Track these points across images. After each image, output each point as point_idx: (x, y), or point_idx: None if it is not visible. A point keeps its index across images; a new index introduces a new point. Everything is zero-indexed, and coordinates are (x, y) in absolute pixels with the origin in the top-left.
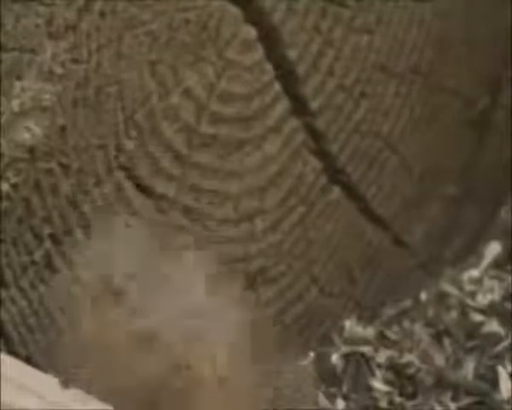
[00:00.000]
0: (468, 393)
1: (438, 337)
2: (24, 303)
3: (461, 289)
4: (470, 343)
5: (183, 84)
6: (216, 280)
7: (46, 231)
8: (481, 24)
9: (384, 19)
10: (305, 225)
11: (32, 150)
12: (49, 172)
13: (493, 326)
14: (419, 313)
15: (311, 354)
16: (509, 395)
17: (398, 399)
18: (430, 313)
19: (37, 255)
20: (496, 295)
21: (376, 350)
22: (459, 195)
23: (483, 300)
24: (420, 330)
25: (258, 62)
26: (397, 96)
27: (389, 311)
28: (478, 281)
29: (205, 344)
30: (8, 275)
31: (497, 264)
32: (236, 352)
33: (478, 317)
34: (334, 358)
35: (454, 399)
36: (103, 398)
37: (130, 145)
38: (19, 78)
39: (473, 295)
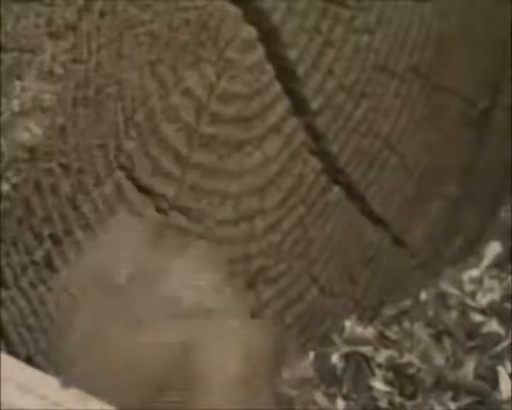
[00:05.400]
0: (468, 393)
1: (438, 337)
2: (24, 303)
3: (461, 289)
4: (470, 343)
5: (183, 84)
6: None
7: (46, 231)
8: (481, 24)
9: (384, 19)
10: (305, 225)
11: (31, 150)
12: (49, 172)
13: (493, 326)
14: (419, 313)
15: (311, 354)
16: (509, 395)
17: (398, 399)
18: (430, 313)
19: (37, 255)
20: (496, 295)
21: (376, 350)
22: (459, 195)
23: (483, 300)
24: (420, 330)
25: (258, 62)
26: (397, 96)
27: (389, 311)
28: (478, 281)
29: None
30: (8, 275)
31: (497, 264)
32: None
33: (478, 317)
34: (334, 358)
35: (454, 399)
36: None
37: (130, 145)
38: (19, 78)
39: (473, 295)
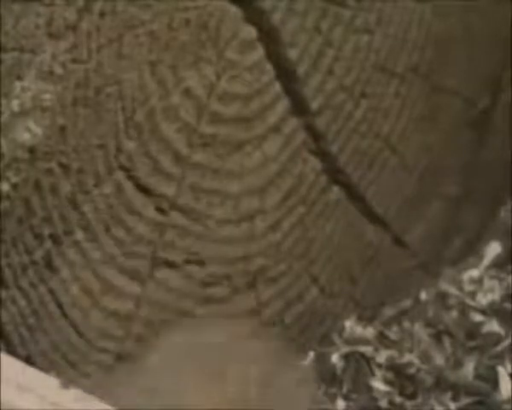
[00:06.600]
0: (468, 393)
1: (438, 337)
2: (24, 303)
3: (461, 289)
4: (470, 343)
5: (183, 84)
6: None
7: (46, 231)
8: (481, 24)
9: (384, 19)
10: (305, 225)
11: (32, 150)
12: (49, 172)
13: (493, 326)
14: (419, 313)
15: (311, 354)
16: (509, 395)
17: (398, 399)
18: (430, 313)
19: (37, 255)
20: (496, 295)
21: (376, 350)
22: (459, 195)
23: (483, 300)
24: (420, 330)
25: (258, 62)
26: (397, 96)
27: (389, 311)
28: (478, 281)
29: None
30: (8, 275)
31: (497, 264)
32: None
33: (478, 317)
34: (334, 358)
35: (454, 399)
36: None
37: (130, 145)
38: (19, 78)
39: (473, 295)
